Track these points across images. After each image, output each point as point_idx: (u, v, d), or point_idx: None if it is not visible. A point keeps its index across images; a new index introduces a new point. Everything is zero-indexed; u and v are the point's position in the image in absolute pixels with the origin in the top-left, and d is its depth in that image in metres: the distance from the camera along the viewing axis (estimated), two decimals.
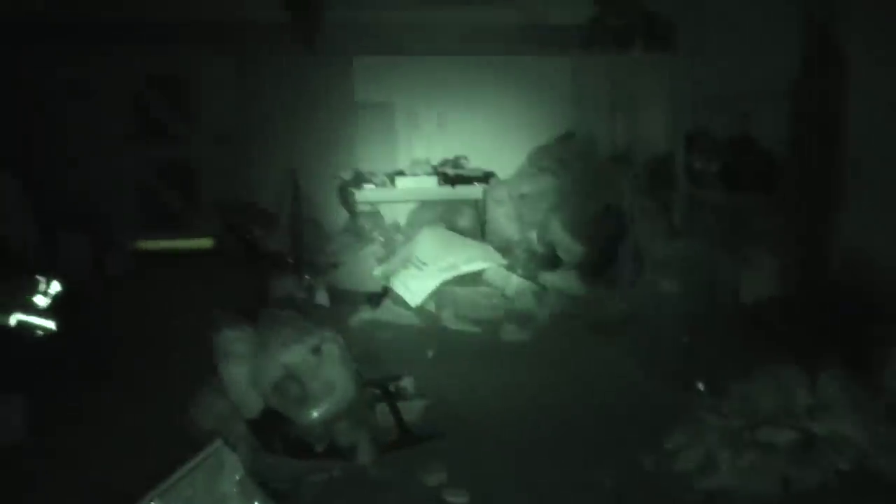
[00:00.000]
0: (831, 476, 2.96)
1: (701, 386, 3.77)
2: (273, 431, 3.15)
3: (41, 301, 4.48)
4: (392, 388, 3.67)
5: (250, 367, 3.20)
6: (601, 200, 5.92)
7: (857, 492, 2.91)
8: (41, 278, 4.55)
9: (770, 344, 4.07)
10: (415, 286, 5.20)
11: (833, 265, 4.43)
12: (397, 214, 7.26)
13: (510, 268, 5.66)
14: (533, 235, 6.15)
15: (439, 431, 3.43)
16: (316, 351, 3.24)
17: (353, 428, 3.22)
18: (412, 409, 3.58)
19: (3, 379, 3.55)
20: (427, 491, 2.94)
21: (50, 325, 4.38)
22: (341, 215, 7.10)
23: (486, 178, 6.86)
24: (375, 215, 6.88)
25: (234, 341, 3.28)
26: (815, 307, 4.23)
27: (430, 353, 4.48)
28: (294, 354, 3.21)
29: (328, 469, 3.03)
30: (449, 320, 5.08)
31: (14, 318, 4.22)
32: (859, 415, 3.16)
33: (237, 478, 2.27)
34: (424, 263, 5.36)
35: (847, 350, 3.79)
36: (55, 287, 4.58)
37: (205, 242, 7.41)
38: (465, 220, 6.72)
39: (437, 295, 5.22)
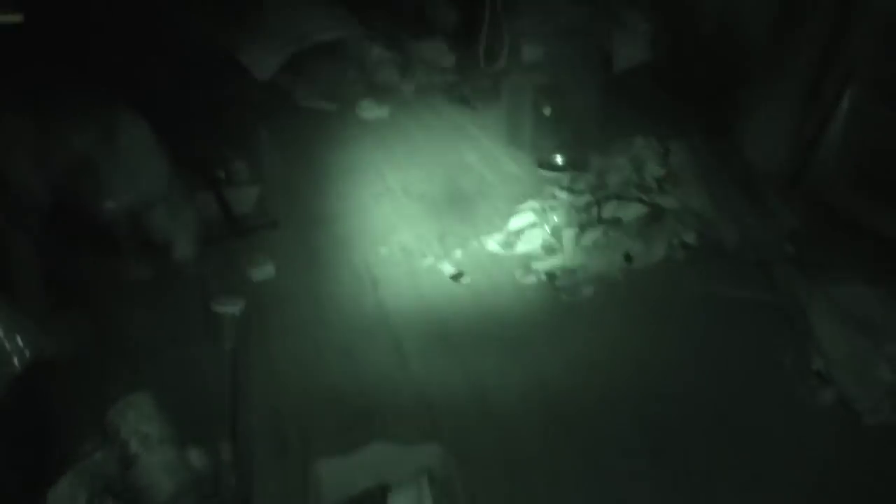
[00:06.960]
0: (676, 249, 2.87)
1: (558, 158, 3.55)
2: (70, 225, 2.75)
3: None
4: (221, 174, 3.31)
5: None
6: None
7: (696, 263, 2.85)
8: None
9: (638, 114, 3.85)
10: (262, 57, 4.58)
11: (705, 31, 4.12)
12: None
13: (371, 38, 5.03)
14: None
15: (272, 220, 3.13)
16: (112, 132, 2.77)
17: (168, 219, 2.87)
18: (245, 197, 3.24)
19: None
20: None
21: None
22: None
23: None
24: None
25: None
26: (685, 73, 3.98)
27: (265, 135, 3.98)
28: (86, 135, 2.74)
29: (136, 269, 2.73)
30: (301, 96, 4.56)
31: None
32: (703, 184, 3.03)
33: None
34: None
35: (712, 116, 3.64)
36: None
37: None
38: None
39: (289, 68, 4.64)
